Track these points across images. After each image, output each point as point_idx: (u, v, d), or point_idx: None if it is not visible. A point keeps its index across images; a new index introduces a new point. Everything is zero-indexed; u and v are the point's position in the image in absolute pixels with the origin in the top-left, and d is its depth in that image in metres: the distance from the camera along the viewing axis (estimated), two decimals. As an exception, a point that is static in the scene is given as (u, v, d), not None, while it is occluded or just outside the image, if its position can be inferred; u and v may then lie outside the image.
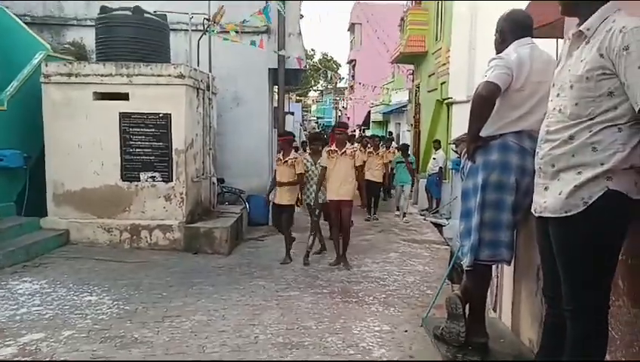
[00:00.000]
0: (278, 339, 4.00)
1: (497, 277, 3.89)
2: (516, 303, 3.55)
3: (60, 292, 5.00)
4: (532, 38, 3.07)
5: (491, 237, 2.94)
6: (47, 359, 3.56)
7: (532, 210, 2.35)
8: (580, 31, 2.10)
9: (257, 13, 8.59)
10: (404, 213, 10.64)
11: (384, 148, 12.42)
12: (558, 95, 2.19)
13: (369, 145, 11.48)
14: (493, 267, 3.51)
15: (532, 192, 2.38)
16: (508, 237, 2.99)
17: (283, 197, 6.69)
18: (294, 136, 7.75)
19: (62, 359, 3.56)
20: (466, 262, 3.05)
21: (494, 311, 3.98)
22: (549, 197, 2.16)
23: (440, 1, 15.06)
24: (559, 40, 4.79)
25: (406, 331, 4.22)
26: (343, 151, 6.32)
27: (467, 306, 3.19)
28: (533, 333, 3.22)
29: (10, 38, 7.78)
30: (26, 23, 8.49)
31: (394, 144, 14.65)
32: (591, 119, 2.03)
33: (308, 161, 6.91)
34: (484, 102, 2.82)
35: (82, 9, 9.61)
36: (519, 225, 3.20)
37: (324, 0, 31.58)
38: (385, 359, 3.71)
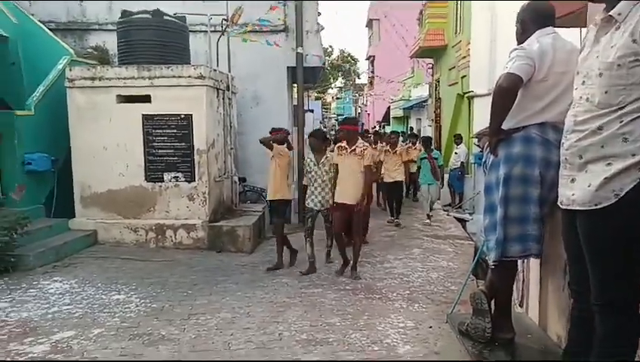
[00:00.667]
0: (302, 336, 4.02)
1: (523, 271, 3.82)
2: (543, 298, 3.49)
3: (89, 291, 5.12)
4: (554, 27, 3.01)
5: (519, 232, 2.88)
6: (78, 356, 3.65)
7: (559, 203, 2.30)
8: (610, 16, 2.02)
9: (272, 9, 8.62)
10: (428, 215, 9.66)
11: (409, 145, 11.44)
12: (583, 83, 2.12)
13: (381, 142, 10.55)
14: (519, 261, 3.45)
15: (557, 185, 2.34)
16: (536, 231, 2.93)
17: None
18: (288, 133, 6.96)
19: (92, 356, 3.65)
20: (491, 257, 3.01)
21: (521, 306, 3.92)
22: (577, 190, 2.11)
23: (459, -6, 14.86)
24: (583, 29, 4.68)
25: (431, 327, 4.20)
26: (352, 148, 5.71)
27: (493, 302, 3.15)
28: (561, 329, 3.16)
29: (35, 44, 7.98)
30: (50, 29, 8.70)
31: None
32: (621, 108, 1.95)
33: (311, 160, 6.03)
34: (506, 94, 2.77)
35: (104, 13, 9.79)
36: (546, 219, 3.14)
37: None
38: (410, 355, 3.70)
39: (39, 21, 8.68)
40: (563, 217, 2.34)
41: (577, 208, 2.12)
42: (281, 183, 6.26)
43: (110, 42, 8.87)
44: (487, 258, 3.14)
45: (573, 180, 2.15)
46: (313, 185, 6.00)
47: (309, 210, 6.07)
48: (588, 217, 2.09)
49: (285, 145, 6.48)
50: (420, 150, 10.75)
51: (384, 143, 10.41)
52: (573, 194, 2.14)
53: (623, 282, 2.03)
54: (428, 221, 9.52)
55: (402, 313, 4.58)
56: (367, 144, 5.94)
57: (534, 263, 3.59)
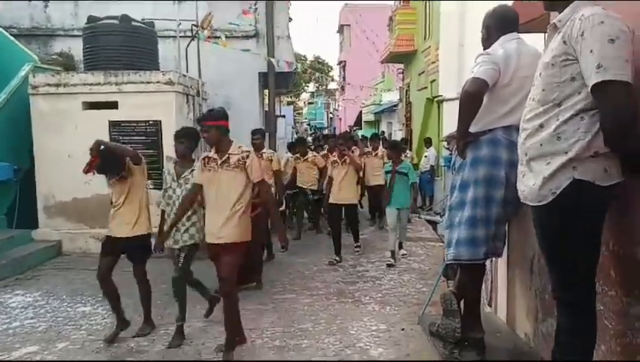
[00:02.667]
0: (275, 343, 3.98)
1: (492, 272, 3.89)
2: (511, 297, 3.56)
3: (54, 304, 4.96)
4: (518, 33, 3.09)
5: (485, 233, 2.94)
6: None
7: (519, 196, 2.38)
8: (554, 23, 2.16)
9: (243, 13, 8.59)
10: (393, 252, 6.65)
11: (368, 150, 9.35)
12: (534, 85, 2.25)
13: (356, 147, 9.24)
14: (487, 261, 3.51)
15: None
16: (500, 231, 3.01)
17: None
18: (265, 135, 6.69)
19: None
20: (450, 255, 3.06)
21: (489, 306, 3.99)
22: (525, 187, 2.23)
23: (428, 1, 15.11)
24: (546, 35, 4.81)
25: (403, 329, 4.22)
26: (224, 159, 3.60)
27: (462, 302, 3.19)
28: (529, 327, 3.22)
29: (-4, 50, 7.73)
30: (12, 35, 8.45)
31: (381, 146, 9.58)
32: (558, 105, 2.07)
33: (168, 173, 4.37)
34: (472, 98, 2.83)
35: (69, 19, 9.57)
36: (511, 219, 3.20)
37: (312, 0, 31.57)
38: (382, 358, 3.70)
39: (1, 27, 8.42)
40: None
41: (528, 203, 2.24)
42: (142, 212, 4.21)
43: (76, 48, 8.66)
44: (447, 255, 3.16)
45: (524, 175, 2.26)
46: (172, 211, 4.16)
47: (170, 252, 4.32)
48: (535, 213, 2.22)
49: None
50: (382, 156, 8.61)
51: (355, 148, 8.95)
52: (524, 191, 2.25)
53: (574, 276, 2.10)
54: (392, 261, 6.50)
55: (375, 316, 4.59)
56: (248, 150, 3.71)
57: (502, 263, 3.66)
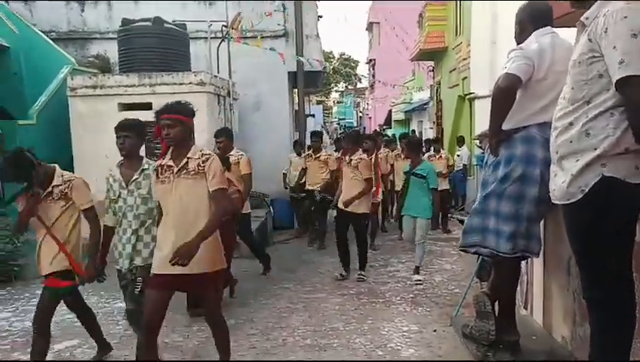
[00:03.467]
0: (306, 341, 4.00)
1: (527, 273, 3.80)
2: (547, 299, 3.46)
3: (92, 299, 5.11)
4: (552, 27, 3.00)
5: (511, 229, 2.87)
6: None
7: (551, 196, 2.34)
8: (582, 21, 2.13)
9: (268, 15, 8.65)
10: (417, 267, 5.81)
11: (386, 152, 8.40)
12: (565, 83, 2.22)
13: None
14: (523, 262, 3.43)
15: None
16: (533, 230, 2.93)
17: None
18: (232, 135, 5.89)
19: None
20: (461, 240, 3.07)
21: (525, 308, 3.89)
22: (556, 185, 2.20)
23: (458, -4, 14.87)
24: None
25: (435, 331, 4.17)
26: (182, 164, 3.02)
27: (496, 304, 3.13)
28: (567, 330, 3.13)
29: (37, 53, 8.04)
30: (51, 39, 8.76)
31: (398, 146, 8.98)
32: (587, 103, 2.04)
33: (114, 178, 3.56)
34: (505, 94, 2.77)
35: (104, 22, 9.85)
36: (547, 218, 3.12)
37: (341, 0, 31.47)
38: (414, 359, 3.67)
39: (40, 31, 8.74)
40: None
41: (557, 203, 2.21)
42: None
43: (111, 51, 8.91)
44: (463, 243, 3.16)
45: (555, 175, 2.22)
46: (121, 227, 3.47)
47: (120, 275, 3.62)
48: (564, 212, 2.18)
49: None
50: (391, 158, 8.27)
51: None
52: (554, 190, 2.22)
53: (605, 276, 2.05)
54: (419, 278, 5.66)
55: (406, 316, 4.56)
56: (208, 154, 3.09)
57: (537, 264, 3.57)
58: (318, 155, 7.58)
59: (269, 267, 6.10)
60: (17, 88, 7.71)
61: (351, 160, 5.80)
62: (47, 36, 8.77)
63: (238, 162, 5.58)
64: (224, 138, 5.64)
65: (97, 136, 7.10)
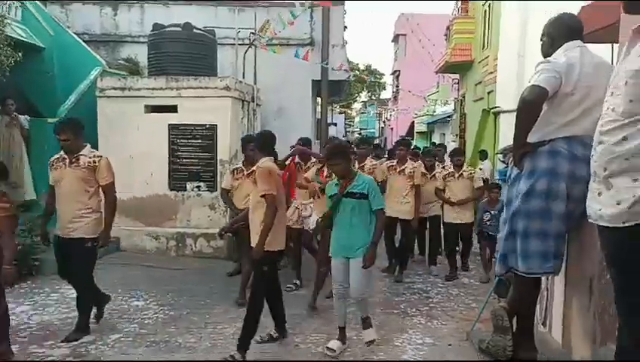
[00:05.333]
0: (318, 349, 3.97)
1: (547, 290, 3.71)
2: (567, 318, 3.37)
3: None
4: (582, 41, 2.96)
5: (539, 248, 2.81)
6: (95, 361, 3.69)
7: (588, 216, 2.23)
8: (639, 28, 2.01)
9: (290, 24, 8.72)
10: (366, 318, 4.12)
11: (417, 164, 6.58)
12: (612, 94, 2.07)
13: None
14: (543, 279, 3.36)
15: (584, 200, 2.27)
16: (556, 247, 2.86)
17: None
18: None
19: (109, 361, 3.68)
20: (499, 269, 2.95)
21: (544, 325, 3.80)
22: (605, 206, 2.02)
23: (488, 9, 14.77)
24: (615, 45, 4.58)
25: (450, 345, 4.10)
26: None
27: (515, 319, 3.06)
28: (587, 350, 3.04)
29: (69, 54, 8.25)
30: (84, 41, 9.00)
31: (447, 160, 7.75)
32: None
33: None
34: (530, 106, 2.73)
35: (136, 26, 10.09)
36: (570, 235, 3.05)
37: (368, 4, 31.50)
38: (427, 372, 3.61)
39: (74, 33, 8.99)
40: (598, 232, 2.26)
41: (605, 225, 2.04)
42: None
43: (141, 54, 9.11)
44: (498, 271, 3.06)
45: (600, 193, 2.07)
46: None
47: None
48: (608, 234, 2.02)
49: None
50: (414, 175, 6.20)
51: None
52: (600, 209, 2.07)
53: None
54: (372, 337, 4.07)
55: (421, 329, 4.49)
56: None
57: (558, 281, 3.49)
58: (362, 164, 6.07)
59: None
60: (49, 88, 7.92)
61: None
62: (81, 38, 9.02)
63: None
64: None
65: (123, 136, 7.24)
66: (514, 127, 2.85)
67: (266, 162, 3.83)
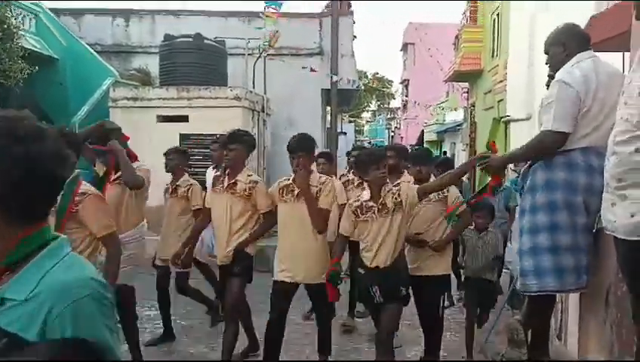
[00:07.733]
0: (329, 359, 3.95)
1: (562, 302, 3.67)
2: (583, 330, 3.33)
3: (122, 306, 5.20)
4: (592, 51, 2.93)
5: (572, 262, 2.73)
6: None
7: (604, 227, 2.20)
8: None
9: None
10: None
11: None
12: (625, 103, 2.04)
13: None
14: (557, 291, 3.31)
15: (598, 212, 2.24)
16: (582, 261, 2.78)
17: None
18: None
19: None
20: (520, 286, 2.89)
21: (559, 338, 3.75)
22: (620, 217, 2.00)
23: (497, 18, 14.78)
24: (626, 53, 4.55)
25: (463, 357, 4.06)
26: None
27: (529, 332, 3.02)
28: (603, 364, 3.00)
29: (82, 65, 8.39)
30: (96, 52, 9.13)
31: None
32: None
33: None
34: (546, 150, 2.70)
35: (148, 37, 10.21)
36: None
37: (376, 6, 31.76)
38: (440, 385, 3.58)
39: (87, 44, 9.12)
40: (615, 244, 2.22)
41: (620, 237, 2.01)
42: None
43: (152, 64, 9.22)
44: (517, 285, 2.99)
45: (613, 204, 2.04)
46: None
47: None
48: (630, 247, 1.98)
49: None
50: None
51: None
52: (615, 221, 2.04)
53: None
54: None
55: (433, 341, 4.44)
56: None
57: (573, 294, 3.44)
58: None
59: None
60: (62, 98, 8.04)
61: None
62: (93, 49, 9.15)
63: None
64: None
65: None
66: (521, 151, 2.85)
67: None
